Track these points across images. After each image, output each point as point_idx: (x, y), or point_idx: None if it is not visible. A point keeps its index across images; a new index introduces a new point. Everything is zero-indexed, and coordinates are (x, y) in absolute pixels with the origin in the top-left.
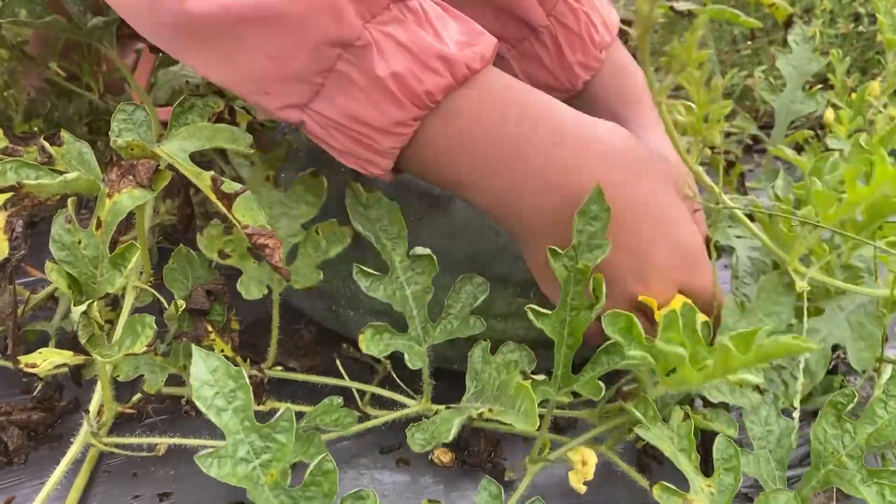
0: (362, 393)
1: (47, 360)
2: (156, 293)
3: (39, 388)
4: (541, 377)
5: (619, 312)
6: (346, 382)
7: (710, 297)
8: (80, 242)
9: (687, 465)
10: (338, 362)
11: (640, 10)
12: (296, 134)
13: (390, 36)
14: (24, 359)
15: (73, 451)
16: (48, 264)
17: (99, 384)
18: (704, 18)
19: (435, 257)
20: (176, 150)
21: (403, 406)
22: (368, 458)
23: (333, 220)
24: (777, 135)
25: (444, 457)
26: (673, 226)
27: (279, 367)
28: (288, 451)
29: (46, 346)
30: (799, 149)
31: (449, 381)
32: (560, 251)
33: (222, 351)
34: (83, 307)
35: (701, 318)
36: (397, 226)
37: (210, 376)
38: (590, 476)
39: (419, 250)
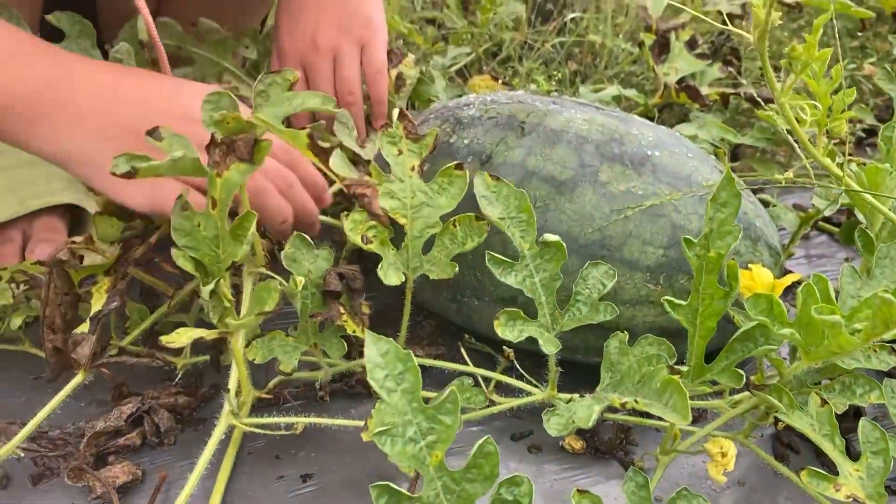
0: (487, 381)
1: (185, 335)
2: (273, 275)
3: (180, 375)
4: (683, 368)
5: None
6: (472, 369)
7: None
8: (199, 226)
9: (832, 449)
10: (462, 351)
11: (756, 16)
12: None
13: None
14: (165, 338)
15: (219, 431)
16: (174, 250)
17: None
18: (824, 17)
19: (564, 244)
20: (270, 116)
21: (528, 395)
22: (499, 445)
23: (471, 214)
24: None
25: (575, 444)
26: None
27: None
28: (452, 433)
29: None
30: None
31: (568, 372)
32: (693, 240)
33: (354, 332)
34: (211, 286)
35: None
36: (526, 213)
37: (381, 359)
38: (730, 467)
39: (548, 237)
